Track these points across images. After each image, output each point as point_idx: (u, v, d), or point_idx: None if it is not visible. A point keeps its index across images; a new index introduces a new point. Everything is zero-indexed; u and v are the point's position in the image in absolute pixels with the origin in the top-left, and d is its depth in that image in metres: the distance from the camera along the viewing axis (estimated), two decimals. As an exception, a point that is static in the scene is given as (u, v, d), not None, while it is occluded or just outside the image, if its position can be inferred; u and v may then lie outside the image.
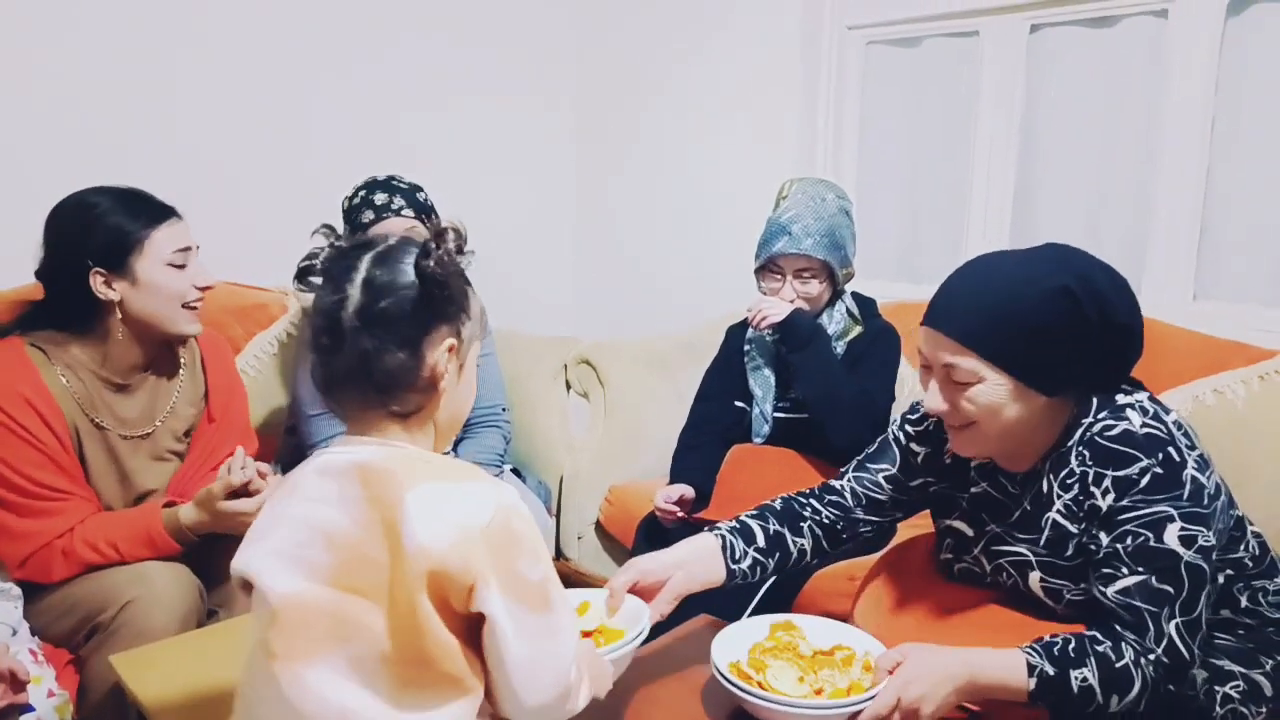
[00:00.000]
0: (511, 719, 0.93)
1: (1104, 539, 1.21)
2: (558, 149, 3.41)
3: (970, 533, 1.41)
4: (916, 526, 2.06)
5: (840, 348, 2.01)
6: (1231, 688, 1.26)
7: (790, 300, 1.96)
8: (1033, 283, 1.23)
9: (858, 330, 2.01)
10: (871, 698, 1.15)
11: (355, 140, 2.74)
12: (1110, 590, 1.19)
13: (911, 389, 2.35)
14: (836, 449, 1.93)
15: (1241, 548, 1.34)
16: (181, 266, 1.64)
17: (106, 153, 2.27)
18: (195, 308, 1.68)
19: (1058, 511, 1.28)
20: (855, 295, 2.07)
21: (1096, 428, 1.25)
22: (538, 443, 2.46)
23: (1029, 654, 1.16)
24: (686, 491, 1.96)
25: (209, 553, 1.65)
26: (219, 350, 1.89)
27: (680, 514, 1.93)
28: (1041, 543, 1.31)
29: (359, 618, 0.88)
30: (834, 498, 1.50)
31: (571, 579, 2.43)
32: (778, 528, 1.46)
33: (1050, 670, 1.14)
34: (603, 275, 3.48)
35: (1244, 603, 1.35)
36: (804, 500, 1.50)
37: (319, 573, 0.89)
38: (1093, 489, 1.24)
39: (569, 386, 2.53)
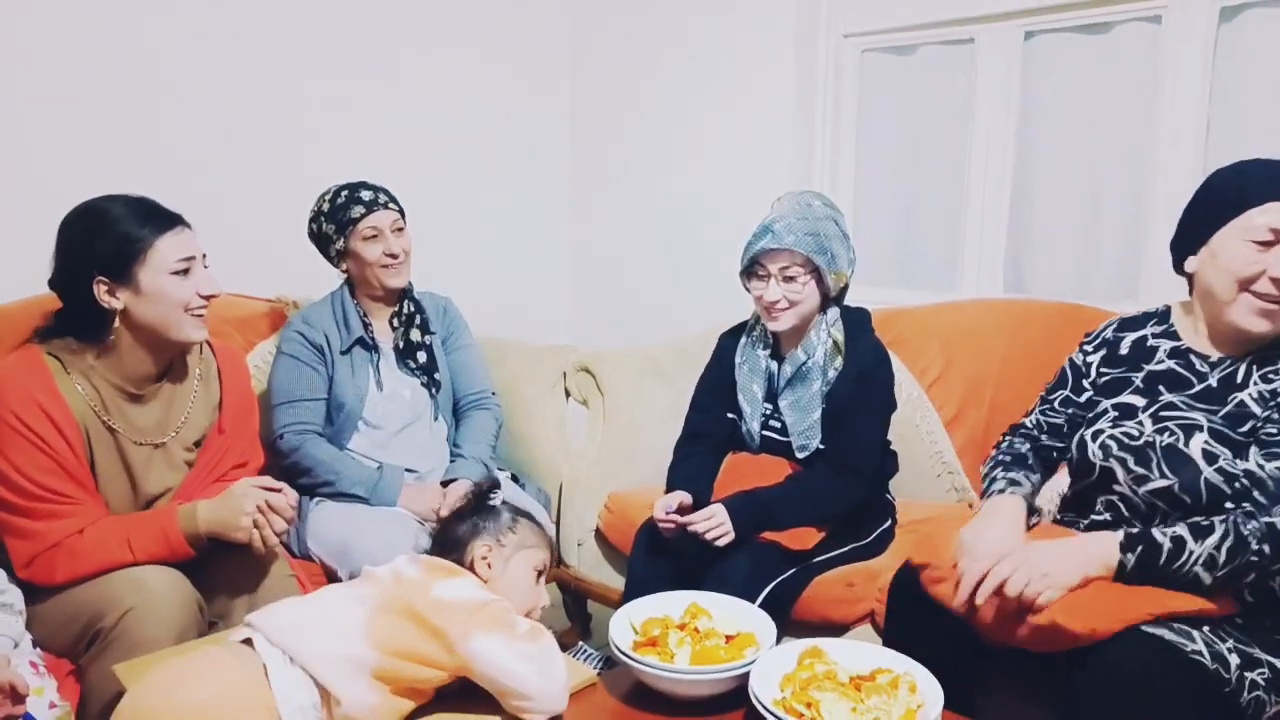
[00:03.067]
0: None
1: None
2: (553, 157, 3.43)
3: (1141, 402, 1.54)
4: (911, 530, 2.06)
5: (829, 376, 1.96)
6: (1258, 674, 1.31)
7: (775, 301, 1.96)
8: None
9: (839, 360, 1.97)
10: None
11: (355, 155, 2.76)
12: (1270, 465, 1.36)
13: (909, 394, 2.36)
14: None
15: None
16: (185, 274, 1.65)
17: (107, 165, 2.29)
18: (200, 314, 1.69)
19: (1249, 395, 1.44)
20: (847, 309, 2.05)
21: None
22: (536, 450, 2.46)
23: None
24: (685, 499, 1.95)
25: (210, 567, 1.67)
26: (235, 363, 1.91)
27: (680, 523, 1.93)
28: (1221, 414, 1.45)
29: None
30: (1025, 432, 1.72)
31: (572, 586, 2.44)
32: (1023, 474, 1.63)
33: (1134, 528, 1.35)
34: (599, 284, 3.49)
35: None
36: (1014, 441, 1.71)
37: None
38: None
39: (568, 394, 2.54)
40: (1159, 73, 2.31)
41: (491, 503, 1.60)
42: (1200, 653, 1.28)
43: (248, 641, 1.28)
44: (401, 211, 2.20)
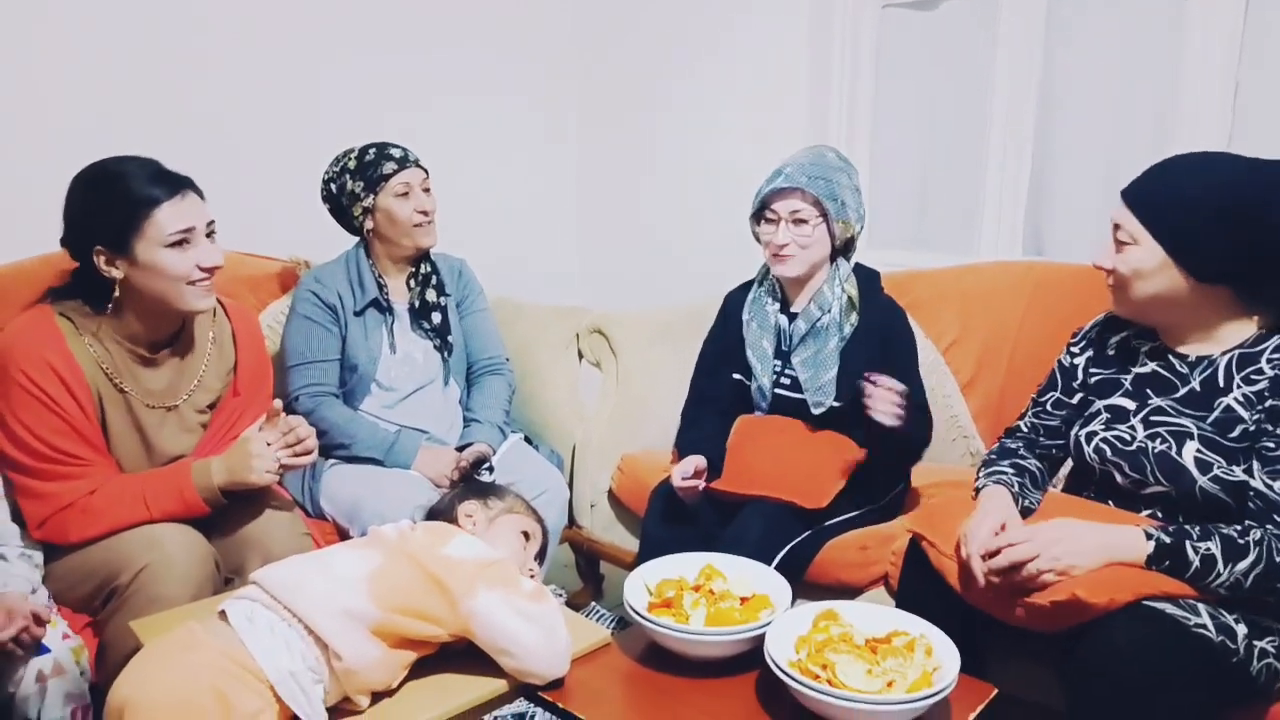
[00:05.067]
0: None
1: None
2: (563, 116, 3.39)
3: (1131, 406, 1.53)
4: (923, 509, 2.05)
5: (846, 330, 1.95)
6: (1268, 642, 1.32)
7: (784, 244, 1.92)
8: (1213, 173, 1.40)
9: (855, 316, 1.96)
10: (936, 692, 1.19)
11: (364, 109, 2.74)
12: (1278, 484, 1.33)
13: (925, 358, 2.34)
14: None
15: None
16: (184, 245, 1.61)
17: (123, 122, 2.28)
18: (204, 285, 1.65)
19: (1234, 399, 1.42)
20: (857, 268, 2.03)
21: None
22: (549, 412, 2.46)
23: (1147, 529, 1.35)
24: (700, 463, 1.94)
25: (226, 523, 1.68)
26: (250, 325, 1.89)
27: (702, 486, 1.92)
28: (1209, 420, 1.43)
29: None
30: (1021, 435, 1.71)
31: (585, 547, 2.45)
32: (1008, 464, 1.63)
33: (1167, 539, 1.32)
34: (610, 245, 3.47)
35: None
36: (1005, 442, 1.71)
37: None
38: None
39: (580, 356, 2.53)
40: (1186, 32, 2.25)
41: (479, 477, 1.77)
42: (1205, 626, 1.28)
43: (223, 615, 1.27)
44: (426, 171, 2.21)
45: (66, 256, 1.66)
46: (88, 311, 1.65)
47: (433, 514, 1.56)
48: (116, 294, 1.62)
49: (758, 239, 2.01)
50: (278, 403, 1.69)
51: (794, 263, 1.95)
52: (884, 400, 1.78)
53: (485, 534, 1.48)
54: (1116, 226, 1.46)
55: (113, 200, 1.58)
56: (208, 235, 1.66)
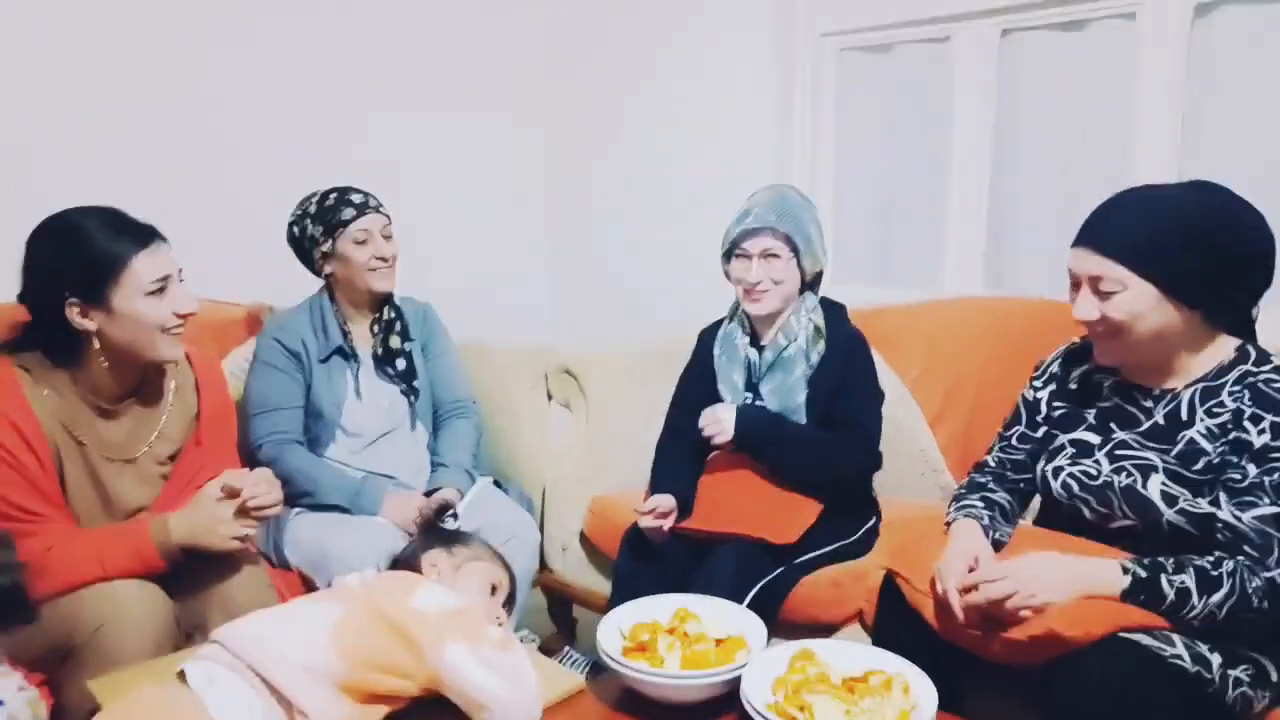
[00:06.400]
0: None
1: (1252, 470, 1.35)
2: (531, 157, 3.41)
3: (1096, 440, 1.53)
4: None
5: (813, 358, 1.99)
6: (1243, 670, 1.32)
7: (757, 281, 1.95)
8: (1177, 201, 1.41)
9: (821, 344, 2.00)
10: None
11: (327, 154, 2.73)
12: (1247, 515, 1.33)
13: (893, 393, 2.35)
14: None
15: None
16: (161, 293, 1.60)
17: (76, 169, 2.26)
18: (177, 333, 1.64)
19: (1198, 431, 1.42)
20: (824, 301, 2.07)
21: (1261, 376, 1.40)
22: (518, 454, 2.44)
23: (1123, 562, 1.35)
24: (667, 503, 1.93)
25: (187, 576, 1.63)
26: (213, 373, 1.86)
27: (668, 527, 1.91)
28: (1173, 454, 1.43)
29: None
30: (989, 470, 1.70)
31: (557, 591, 2.41)
32: (977, 497, 1.64)
33: (1142, 572, 1.32)
34: (578, 285, 3.47)
35: None
36: (979, 482, 1.68)
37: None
38: (1247, 425, 1.37)
39: (550, 396, 2.51)
40: (1134, 69, 2.32)
41: (444, 524, 1.79)
42: (1180, 657, 1.28)
43: (182, 675, 1.23)
44: (389, 217, 2.19)
45: (17, 309, 1.62)
46: (48, 363, 1.61)
47: (396, 563, 1.53)
48: (96, 345, 1.59)
49: (729, 277, 2.03)
50: (238, 475, 1.65)
51: (769, 298, 1.97)
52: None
53: (450, 583, 1.46)
54: (1096, 279, 1.41)
55: (83, 252, 1.56)
56: (180, 281, 1.65)
